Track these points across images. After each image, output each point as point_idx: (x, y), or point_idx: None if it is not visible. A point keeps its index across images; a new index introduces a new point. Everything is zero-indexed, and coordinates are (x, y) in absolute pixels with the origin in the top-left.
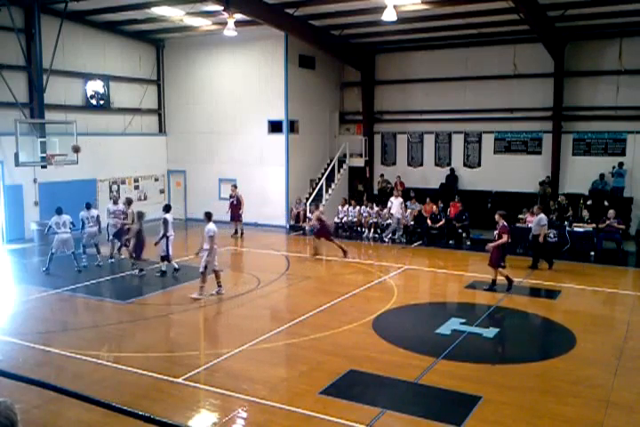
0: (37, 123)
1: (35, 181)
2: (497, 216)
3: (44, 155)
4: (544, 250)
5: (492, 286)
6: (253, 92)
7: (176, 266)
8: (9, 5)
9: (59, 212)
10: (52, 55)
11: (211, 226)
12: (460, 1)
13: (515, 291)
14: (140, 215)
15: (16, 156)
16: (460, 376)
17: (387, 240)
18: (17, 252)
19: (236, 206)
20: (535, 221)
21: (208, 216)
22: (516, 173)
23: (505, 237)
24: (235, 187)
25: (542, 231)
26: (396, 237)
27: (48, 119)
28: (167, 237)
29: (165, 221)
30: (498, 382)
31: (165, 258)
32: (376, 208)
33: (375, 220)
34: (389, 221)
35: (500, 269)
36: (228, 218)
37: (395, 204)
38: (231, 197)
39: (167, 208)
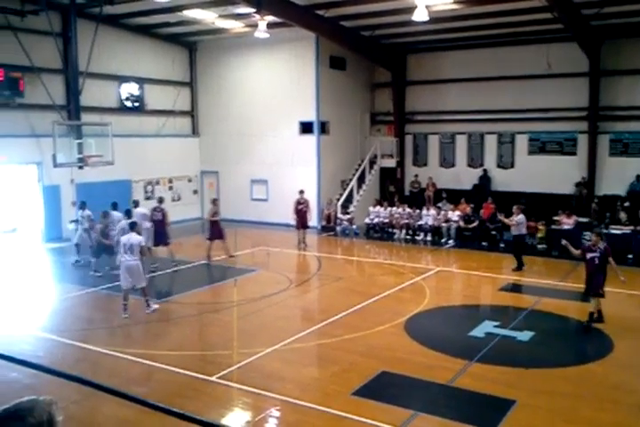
0: (74, 125)
1: (72, 181)
2: (594, 237)
3: (80, 156)
4: (522, 250)
5: (599, 318)
6: (284, 94)
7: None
8: (47, 10)
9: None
10: (87, 58)
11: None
12: (491, 0)
13: (550, 294)
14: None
15: (54, 157)
16: (494, 380)
17: (449, 243)
18: (56, 250)
19: (305, 213)
20: (516, 221)
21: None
22: (551, 174)
23: (612, 261)
24: (302, 192)
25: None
26: (451, 242)
27: (84, 121)
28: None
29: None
30: (532, 387)
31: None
32: (408, 209)
33: (407, 221)
34: (420, 222)
35: (599, 299)
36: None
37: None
38: (300, 203)
39: (135, 203)
